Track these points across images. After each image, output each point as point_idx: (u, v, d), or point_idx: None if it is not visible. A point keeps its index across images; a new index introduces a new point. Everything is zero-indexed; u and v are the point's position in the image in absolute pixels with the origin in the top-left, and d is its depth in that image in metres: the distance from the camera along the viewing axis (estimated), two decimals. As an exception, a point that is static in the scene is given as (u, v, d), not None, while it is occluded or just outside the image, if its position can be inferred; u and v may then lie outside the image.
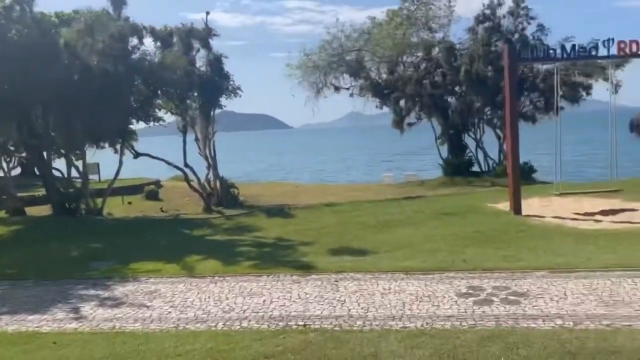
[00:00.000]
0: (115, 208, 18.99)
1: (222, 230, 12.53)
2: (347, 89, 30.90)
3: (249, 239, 11.23)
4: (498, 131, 25.11)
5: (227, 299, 6.98)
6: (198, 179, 19.67)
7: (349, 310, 6.28)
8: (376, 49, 26.80)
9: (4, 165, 17.99)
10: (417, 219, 12.09)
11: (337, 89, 31.07)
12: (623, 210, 11.97)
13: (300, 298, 6.82)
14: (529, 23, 21.95)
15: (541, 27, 21.27)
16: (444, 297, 6.53)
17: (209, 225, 13.31)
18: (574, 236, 9.54)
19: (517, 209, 12.13)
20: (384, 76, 28.05)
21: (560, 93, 22.27)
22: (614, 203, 12.83)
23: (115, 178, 18.44)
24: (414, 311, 6.13)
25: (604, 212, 11.89)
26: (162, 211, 18.94)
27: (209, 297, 7.09)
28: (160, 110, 18.48)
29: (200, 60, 19.34)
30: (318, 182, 39.92)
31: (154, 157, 18.86)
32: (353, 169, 49.49)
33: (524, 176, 23.84)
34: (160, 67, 16.80)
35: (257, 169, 57.27)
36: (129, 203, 20.75)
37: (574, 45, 11.78)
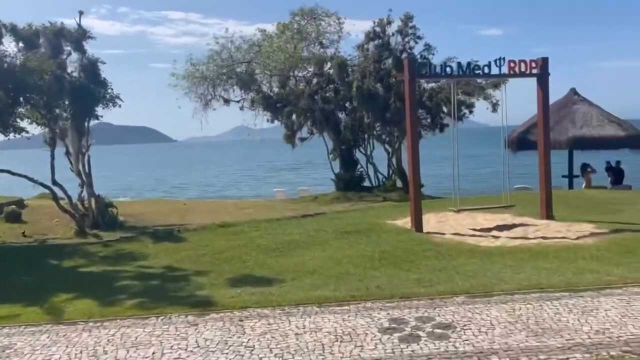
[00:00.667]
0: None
1: (99, 259, 10.79)
2: (238, 101, 29.86)
3: (132, 269, 9.70)
4: (387, 147, 25.60)
5: (106, 353, 5.63)
6: (69, 198, 17.34)
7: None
8: (267, 62, 26.12)
9: None
10: (320, 239, 11.37)
11: (226, 101, 29.86)
12: (515, 225, 12.29)
13: (199, 346, 5.68)
14: (416, 42, 22.68)
15: (428, 47, 22.05)
16: (366, 334, 5.79)
17: (83, 253, 11.46)
18: (479, 254, 9.41)
19: (418, 226, 11.94)
20: (276, 90, 27.45)
21: (445, 110, 23.33)
22: (506, 218, 13.19)
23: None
24: (335, 355, 5.32)
25: (499, 228, 12.11)
26: (25, 236, 16.35)
27: (80, 352, 5.67)
28: (22, 120, 16.00)
29: (73, 65, 17.20)
30: (206, 198, 38.16)
31: (15, 173, 16.27)
32: (242, 184, 48.27)
33: (413, 191, 24.67)
34: (22, 70, 14.51)
35: (139, 185, 53.65)
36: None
37: (469, 63, 11.96)
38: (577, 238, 10.59)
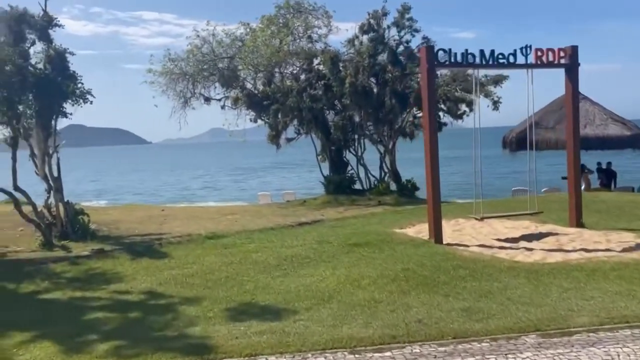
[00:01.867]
0: None
1: (66, 281, 8.98)
2: (219, 99, 28.03)
3: (106, 296, 7.93)
4: (380, 147, 24.16)
5: None
6: (33, 205, 15.40)
7: None
8: (250, 57, 24.42)
9: None
10: (327, 254, 9.80)
11: (207, 99, 27.98)
12: (543, 235, 10.92)
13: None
14: (413, 35, 21.27)
15: (426, 40, 20.65)
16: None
17: (46, 273, 9.61)
18: (523, 273, 7.96)
19: (437, 237, 10.45)
20: (260, 87, 25.77)
21: (445, 108, 21.98)
22: (528, 226, 11.85)
23: None
24: None
25: (526, 238, 10.73)
26: (-19, 250, 14.35)
27: None
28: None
29: (37, 57, 15.29)
30: (186, 202, 36.16)
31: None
32: (223, 188, 46.36)
33: (408, 195, 23.21)
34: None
35: (113, 188, 51.27)
36: None
37: (492, 51, 10.55)
38: (624, 250, 9.25)
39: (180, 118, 26.89)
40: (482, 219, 11.21)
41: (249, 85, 26.05)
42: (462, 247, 10.01)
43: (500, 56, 10.56)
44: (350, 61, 21.27)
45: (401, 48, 21.00)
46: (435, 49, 10.62)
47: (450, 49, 10.42)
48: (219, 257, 9.85)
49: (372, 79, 21.63)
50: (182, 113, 26.86)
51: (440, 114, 21.60)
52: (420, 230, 11.76)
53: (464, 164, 48.75)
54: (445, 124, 21.96)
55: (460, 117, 21.23)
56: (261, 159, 76.54)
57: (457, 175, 43.94)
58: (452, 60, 10.38)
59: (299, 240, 11.10)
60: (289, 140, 26.74)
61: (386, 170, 24.25)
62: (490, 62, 10.60)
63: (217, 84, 26.76)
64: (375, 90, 21.44)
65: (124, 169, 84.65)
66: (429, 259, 9.05)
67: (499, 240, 10.63)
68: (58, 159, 24.26)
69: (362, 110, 22.55)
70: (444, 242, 10.41)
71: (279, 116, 24.73)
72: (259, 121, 26.81)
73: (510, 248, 9.90)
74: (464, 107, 21.37)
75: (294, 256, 9.69)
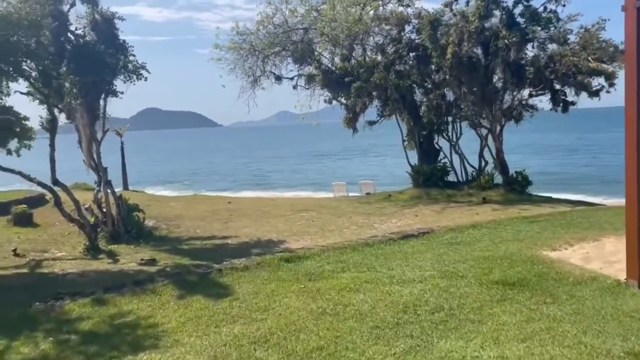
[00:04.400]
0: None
1: (78, 339, 5.91)
2: (291, 78, 24.89)
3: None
4: (481, 131, 20.10)
5: None
6: (76, 202, 12.96)
7: None
8: (328, 28, 20.94)
9: None
10: (467, 303, 6.30)
11: (278, 78, 24.86)
12: None
13: None
14: (534, -10, 16.95)
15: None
16: None
17: (57, 320, 6.61)
18: None
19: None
20: (339, 63, 22.34)
21: (572, 84, 17.55)
22: None
23: None
24: None
25: None
26: (16, 255, 12.06)
27: None
28: (7, 94, 11.59)
29: (79, 22, 12.69)
30: (254, 190, 33.58)
31: (5, 168, 11.97)
32: (294, 174, 43.49)
33: (519, 190, 19.07)
34: (5, 24, 9.96)
35: (182, 173, 49.98)
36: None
37: None
38: None
39: (250, 99, 23.96)
40: None
41: (325, 61, 22.72)
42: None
43: None
44: (453, 26, 17.27)
45: (519, 8, 16.75)
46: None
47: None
48: (303, 300, 6.60)
49: (478, 49, 17.58)
50: (251, 94, 23.90)
51: (567, 90, 17.24)
52: (589, 256, 8.03)
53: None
54: (573, 103, 17.56)
55: (595, 94, 16.76)
56: (335, 142, 73.28)
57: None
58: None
59: (414, 270, 7.67)
60: (370, 123, 23.24)
61: (489, 159, 20.16)
62: None
63: (289, 60, 23.60)
64: (482, 62, 17.40)
65: (196, 151, 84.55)
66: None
67: None
68: (122, 144, 21.98)
69: (462, 87, 18.60)
70: (612, 270, 6.61)
71: (359, 96, 21.22)
72: (334, 102, 23.50)
73: None
74: (600, 81, 16.85)
75: (417, 305, 6.27)
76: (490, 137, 19.47)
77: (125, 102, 13.45)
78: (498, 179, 19.72)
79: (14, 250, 12.04)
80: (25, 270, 10.47)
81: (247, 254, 10.61)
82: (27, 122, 13.09)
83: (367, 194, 23.74)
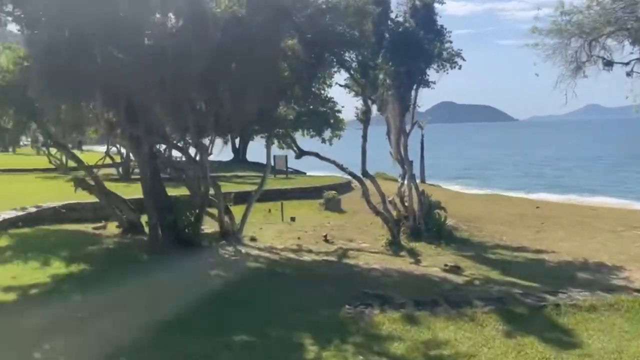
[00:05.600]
0: (271, 228, 13.22)
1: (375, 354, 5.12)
2: (626, 63, 20.35)
3: None
4: None
5: None
6: (382, 195, 12.74)
7: None
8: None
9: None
10: None
11: (608, 64, 20.64)
12: None
13: None
14: None
15: None
16: None
17: (366, 334, 5.92)
18: None
19: None
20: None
21: None
22: None
23: (264, 179, 12.57)
24: None
25: None
26: (326, 240, 12.52)
27: None
28: (325, 88, 11.93)
29: (399, 8, 12.31)
30: (558, 194, 29.18)
31: (323, 157, 12.48)
32: (615, 176, 36.61)
33: None
34: (332, 14, 10.13)
35: (475, 168, 48.14)
36: (292, 219, 14.87)
37: None
38: None
39: (568, 89, 20.55)
40: None
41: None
42: None
43: None
44: None
45: None
46: None
47: None
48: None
49: None
50: (571, 82, 20.41)
51: None
52: None
53: None
54: None
55: None
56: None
57: None
58: None
59: None
60: None
61: None
62: None
63: (625, 42, 19.27)
64: None
65: (489, 147, 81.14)
66: None
67: None
68: (422, 137, 21.47)
69: None
70: None
71: None
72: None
73: None
74: None
75: None
76: None
77: (422, 95, 12.72)
78: None
79: (325, 236, 12.53)
80: (333, 259, 10.59)
81: (574, 280, 8.49)
82: (339, 114, 13.62)
83: None
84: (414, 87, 12.41)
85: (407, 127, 12.91)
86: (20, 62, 9.56)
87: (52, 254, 8.71)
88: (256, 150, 28.31)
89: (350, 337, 5.45)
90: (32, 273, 7.70)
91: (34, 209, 11.66)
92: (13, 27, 9.07)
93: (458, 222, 15.08)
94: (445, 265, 10.05)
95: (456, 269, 9.83)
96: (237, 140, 32.82)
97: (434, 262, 10.52)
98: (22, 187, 18.26)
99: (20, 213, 11.24)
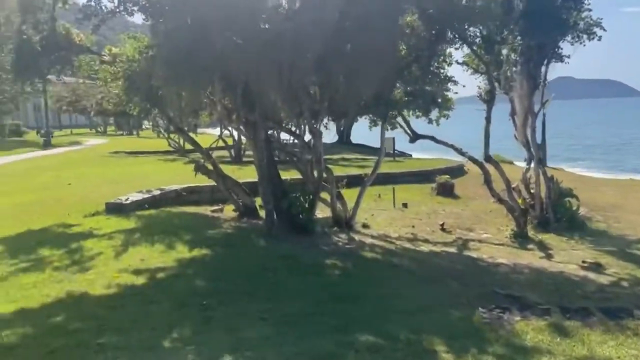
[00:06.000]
0: (382, 214, 12.79)
1: None
2: None
3: None
4: None
5: None
6: (507, 181, 11.75)
7: None
8: None
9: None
10: None
11: None
12: None
13: None
14: None
15: None
16: None
17: (506, 343, 5.22)
18: None
19: None
20: None
21: None
22: None
23: (378, 163, 12.09)
24: None
25: None
26: (443, 229, 11.84)
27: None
28: (445, 66, 11.08)
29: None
30: None
31: (438, 141, 11.74)
32: None
33: None
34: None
35: (598, 148, 43.94)
36: (404, 205, 14.31)
37: None
38: None
39: None
40: None
41: None
42: None
43: None
44: None
45: None
46: None
47: None
48: None
49: None
50: None
51: None
52: None
53: None
54: None
55: None
56: None
57: None
58: None
59: None
60: None
61: None
62: None
63: None
64: None
65: (612, 124, 73.70)
66: None
67: None
68: (544, 117, 19.76)
69: None
70: None
71: None
72: None
73: None
74: None
75: None
76: None
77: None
78: None
79: (442, 225, 11.84)
80: (453, 250, 9.92)
81: None
82: (447, 93, 12.75)
83: None
84: (545, 62, 11.20)
85: (536, 107, 11.75)
86: (145, 51, 9.85)
87: (175, 237, 8.95)
88: (360, 132, 27.86)
89: (489, 346, 4.86)
90: (159, 256, 7.93)
91: (157, 192, 12.17)
92: (137, 18, 9.36)
93: (591, 212, 13.65)
94: (583, 261, 8.98)
95: (597, 267, 8.73)
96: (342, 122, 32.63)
97: (568, 257, 9.47)
98: (145, 169, 19.43)
99: (146, 195, 11.77)
